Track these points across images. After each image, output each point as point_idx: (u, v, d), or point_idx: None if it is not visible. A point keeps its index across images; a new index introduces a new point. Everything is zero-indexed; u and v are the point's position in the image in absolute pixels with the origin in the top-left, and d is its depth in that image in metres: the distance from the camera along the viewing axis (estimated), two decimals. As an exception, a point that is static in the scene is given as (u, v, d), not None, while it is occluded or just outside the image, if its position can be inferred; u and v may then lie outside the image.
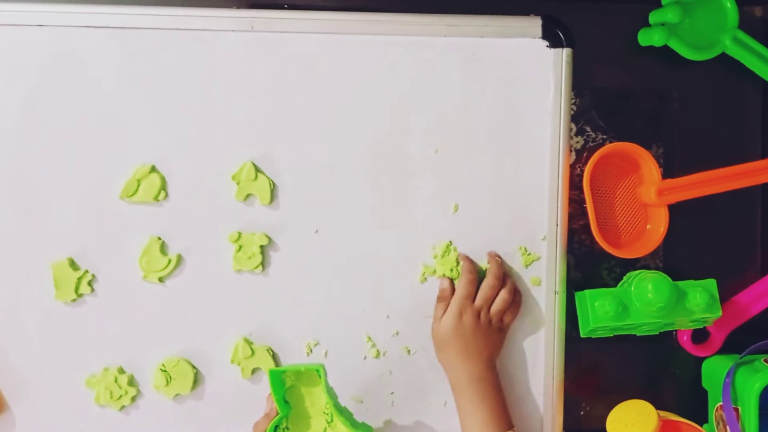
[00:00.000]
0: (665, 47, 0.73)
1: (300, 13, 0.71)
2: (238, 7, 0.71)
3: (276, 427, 0.63)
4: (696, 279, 0.72)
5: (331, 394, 0.63)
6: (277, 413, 0.63)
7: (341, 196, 0.72)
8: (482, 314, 0.70)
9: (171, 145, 0.70)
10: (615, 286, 0.73)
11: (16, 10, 0.69)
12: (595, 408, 0.76)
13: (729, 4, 0.74)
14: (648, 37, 0.73)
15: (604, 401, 0.74)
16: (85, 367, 0.70)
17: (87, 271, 0.69)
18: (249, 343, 0.71)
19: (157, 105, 0.70)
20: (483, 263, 0.73)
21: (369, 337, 0.72)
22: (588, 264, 0.76)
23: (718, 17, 0.74)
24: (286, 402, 0.64)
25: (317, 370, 0.63)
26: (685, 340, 0.76)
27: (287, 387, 0.64)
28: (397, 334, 0.72)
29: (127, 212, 0.70)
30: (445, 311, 0.70)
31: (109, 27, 0.69)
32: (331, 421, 0.64)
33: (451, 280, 0.72)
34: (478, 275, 0.72)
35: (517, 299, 0.72)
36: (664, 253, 0.76)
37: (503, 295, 0.71)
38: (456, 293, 0.70)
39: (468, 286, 0.70)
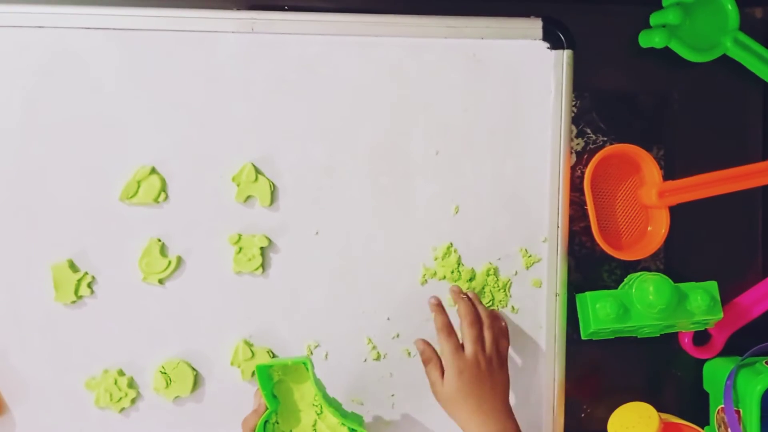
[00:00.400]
0: (666, 49, 0.73)
1: (300, 14, 0.71)
2: (238, 9, 0.71)
3: (266, 422, 0.63)
4: (697, 281, 0.72)
5: (319, 386, 0.64)
6: (266, 408, 0.63)
7: (341, 198, 0.72)
8: (480, 361, 0.65)
9: (171, 147, 0.70)
10: (616, 288, 0.73)
11: (17, 12, 0.69)
12: (596, 410, 0.76)
13: (730, 6, 0.74)
14: (649, 39, 0.73)
15: (605, 403, 0.74)
16: (85, 369, 0.70)
17: (87, 273, 0.69)
18: (249, 345, 0.70)
19: (157, 106, 0.70)
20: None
21: (369, 339, 0.72)
22: (588, 266, 0.76)
23: (718, 19, 0.74)
24: (275, 396, 0.64)
25: (304, 363, 0.63)
26: (686, 342, 0.76)
27: (275, 381, 0.65)
28: (398, 336, 0.72)
29: (127, 214, 0.70)
30: (440, 372, 0.66)
31: (109, 28, 0.69)
32: (321, 413, 0.64)
33: (425, 341, 0.68)
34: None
35: (502, 325, 0.70)
36: (665, 255, 0.76)
37: (487, 333, 0.67)
38: (443, 352, 0.66)
39: (450, 339, 0.66)
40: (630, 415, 0.70)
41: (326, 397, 0.64)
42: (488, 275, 0.73)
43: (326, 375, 0.70)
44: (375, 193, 0.72)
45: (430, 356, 0.67)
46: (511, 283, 0.73)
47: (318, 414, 0.64)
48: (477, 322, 0.67)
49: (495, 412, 0.65)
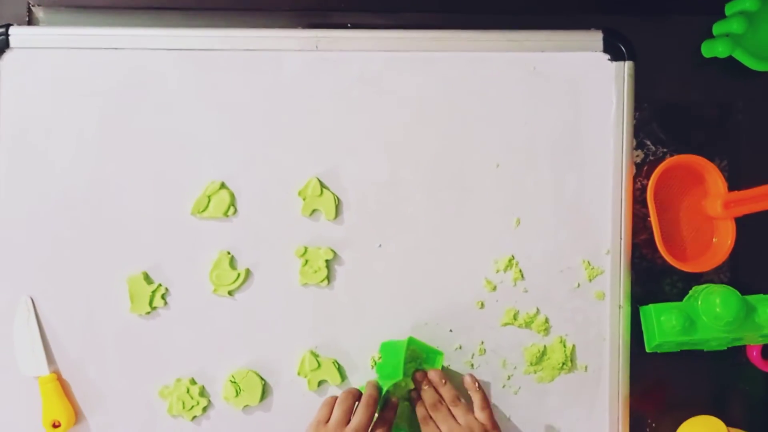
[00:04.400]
0: (729, 58, 0.72)
1: (363, 32, 0.73)
2: (303, 28, 0.73)
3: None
4: (765, 293, 0.71)
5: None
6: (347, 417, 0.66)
7: (404, 211, 0.73)
8: None
9: (239, 162, 0.72)
10: (677, 301, 0.72)
11: (95, 34, 0.72)
12: (661, 425, 0.75)
13: (795, 14, 0.73)
14: (712, 49, 0.73)
15: (670, 417, 0.73)
16: (159, 378, 0.72)
17: (161, 285, 0.72)
18: (315, 355, 0.72)
19: (226, 123, 0.72)
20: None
21: (432, 351, 0.73)
22: (650, 279, 0.75)
23: (783, 27, 0.74)
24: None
25: (439, 355, 0.71)
26: (754, 356, 0.74)
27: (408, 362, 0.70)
28: (460, 348, 0.73)
29: (198, 227, 0.72)
30: None
31: (181, 49, 0.72)
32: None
33: None
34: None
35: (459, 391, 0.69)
36: (731, 267, 0.75)
37: (456, 409, 0.67)
38: None
39: (428, 426, 0.67)
40: (698, 429, 0.69)
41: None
42: (560, 342, 0.73)
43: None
44: (436, 206, 0.73)
45: None
46: (575, 347, 0.73)
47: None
48: (439, 402, 0.68)
49: None
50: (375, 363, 0.72)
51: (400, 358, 0.68)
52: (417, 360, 0.71)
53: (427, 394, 0.69)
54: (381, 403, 0.68)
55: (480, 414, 0.68)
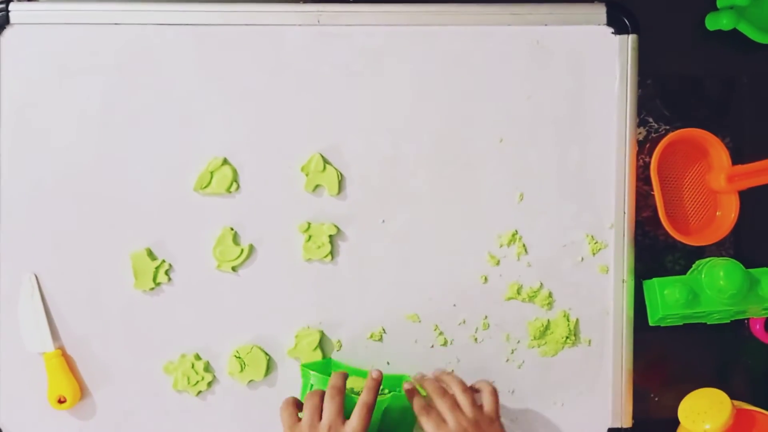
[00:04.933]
0: (734, 31, 0.72)
1: (365, 6, 0.72)
2: (304, 2, 0.73)
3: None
4: (768, 266, 0.71)
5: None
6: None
7: (407, 187, 0.72)
8: (466, 426, 0.62)
9: (242, 138, 0.72)
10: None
11: (94, 9, 0.71)
12: (664, 397, 0.75)
13: (801, -14, 0.72)
14: (716, 21, 0.72)
15: (673, 390, 0.74)
16: (163, 353, 0.72)
17: (164, 261, 0.72)
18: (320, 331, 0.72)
19: (228, 99, 0.72)
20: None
21: (436, 326, 0.73)
22: (653, 255, 0.75)
23: (788, -1, 0.73)
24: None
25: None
26: (757, 329, 0.74)
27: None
28: (464, 322, 0.73)
29: (201, 204, 0.72)
30: None
31: (182, 24, 0.71)
32: None
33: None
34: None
35: (475, 387, 0.67)
36: (734, 240, 0.75)
37: (462, 397, 0.65)
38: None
39: (430, 417, 0.63)
40: (701, 401, 0.69)
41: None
42: (564, 316, 0.73)
43: (394, 360, 0.71)
44: (440, 181, 0.73)
45: None
46: (578, 321, 0.73)
47: None
48: (446, 393, 0.65)
49: None
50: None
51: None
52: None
53: (430, 381, 0.66)
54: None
55: (488, 399, 0.65)
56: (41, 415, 0.72)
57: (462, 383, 0.67)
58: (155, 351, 0.72)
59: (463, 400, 0.65)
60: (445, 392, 0.65)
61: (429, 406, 0.64)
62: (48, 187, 0.72)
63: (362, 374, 0.69)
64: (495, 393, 0.67)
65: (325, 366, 0.71)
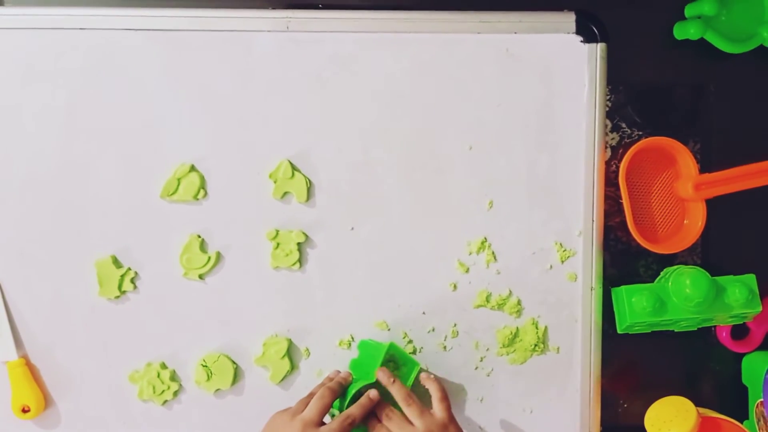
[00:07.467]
0: (701, 41, 0.73)
1: (334, 12, 0.72)
2: (273, 8, 0.72)
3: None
4: (735, 274, 0.71)
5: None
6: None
7: (376, 194, 0.72)
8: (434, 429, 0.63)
9: (209, 145, 0.71)
10: (651, 283, 0.73)
11: (59, 14, 0.70)
12: (632, 404, 0.76)
13: (767, -4, 0.73)
14: (684, 31, 0.73)
15: (642, 398, 0.74)
16: (129, 362, 0.71)
17: (130, 269, 0.71)
18: (288, 340, 0.71)
19: (196, 105, 0.71)
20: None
21: (405, 333, 0.72)
22: (624, 261, 0.75)
23: (755, 9, 0.74)
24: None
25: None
26: (724, 336, 0.75)
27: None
28: (433, 330, 0.73)
29: (168, 211, 0.71)
30: None
31: (149, 29, 0.71)
32: None
33: None
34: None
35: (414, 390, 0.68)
36: (702, 248, 0.76)
37: (411, 412, 0.64)
38: None
39: (399, 421, 0.64)
40: (667, 409, 0.69)
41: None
42: (532, 324, 0.73)
43: (363, 368, 0.71)
44: (409, 189, 0.72)
45: None
46: (547, 329, 0.73)
47: None
48: (410, 397, 0.65)
49: None
50: (352, 361, 0.71)
51: (377, 362, 0.67)
52: (391, 367, 0.70)
53: (394, 386, 0.66)
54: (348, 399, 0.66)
55: (438, 406, 0.65)
56: (5, 424, 0.71)
57: (406, 396, 0.65)
58: (120, 360, 0.71)
59: (410, 412, 0.64)
60: (388, 412, 0.65)
61: (393, 411, 0.65)
62: (11, 192, 0.71)
63: (413, 364, 0.70)
64: (445, 398, 0.66)
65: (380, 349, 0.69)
